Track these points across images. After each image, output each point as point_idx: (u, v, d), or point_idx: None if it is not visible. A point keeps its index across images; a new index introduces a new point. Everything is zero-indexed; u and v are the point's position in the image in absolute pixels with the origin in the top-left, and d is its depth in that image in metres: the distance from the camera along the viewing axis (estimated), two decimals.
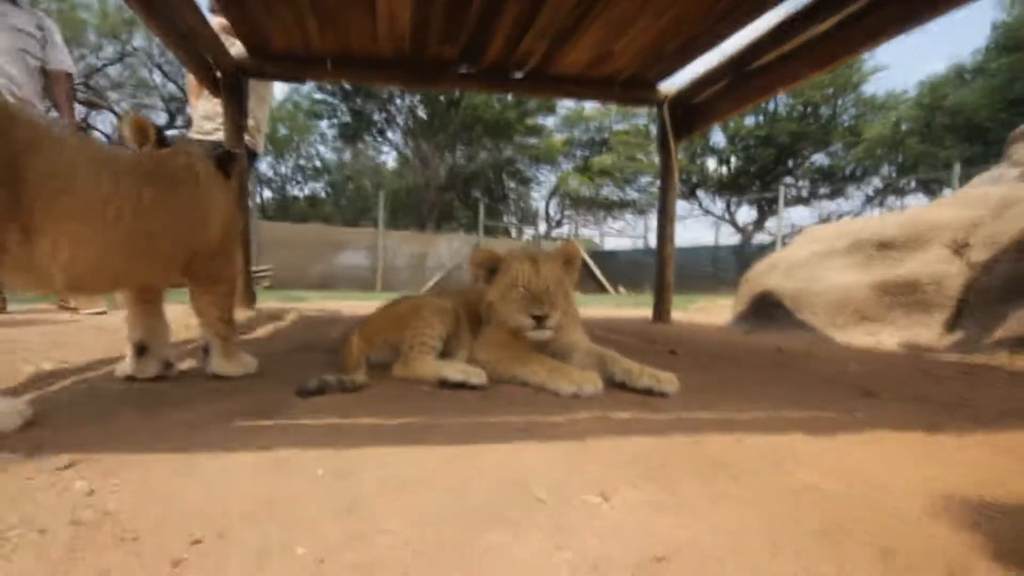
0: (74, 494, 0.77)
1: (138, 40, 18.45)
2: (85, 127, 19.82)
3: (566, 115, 22.59)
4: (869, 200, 19.02)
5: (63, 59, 3.77)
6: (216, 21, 3.58)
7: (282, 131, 23.95)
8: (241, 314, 3.48)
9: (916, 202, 17.06)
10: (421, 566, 0.61)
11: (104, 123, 20.96)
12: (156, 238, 1.38)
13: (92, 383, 1.52)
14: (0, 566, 0.59)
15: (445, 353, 1.77)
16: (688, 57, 3.60)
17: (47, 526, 0.67)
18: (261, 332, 2.87)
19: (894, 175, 18.16)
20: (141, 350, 1.56)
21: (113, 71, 19.82)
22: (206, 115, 4.13)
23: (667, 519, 0.74)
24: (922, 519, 0.76)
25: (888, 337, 3.03)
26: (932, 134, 16.10)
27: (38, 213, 1.15)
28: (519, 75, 3.99)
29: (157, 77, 20.08)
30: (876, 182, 18.82)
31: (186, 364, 1.85)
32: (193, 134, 4.29)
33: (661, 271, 4.25)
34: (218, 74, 3.68)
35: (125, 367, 1.56)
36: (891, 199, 18.59)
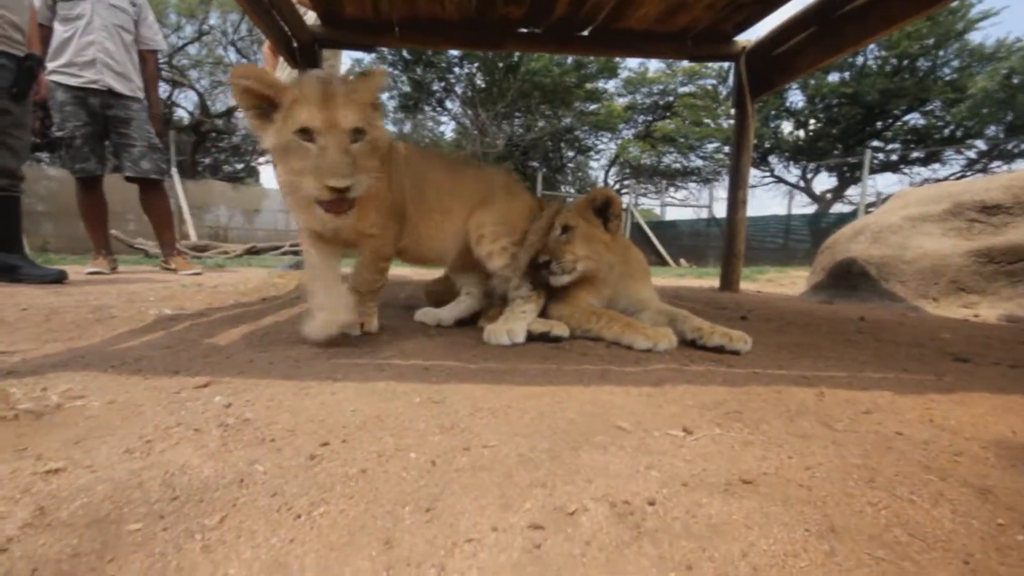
0: (215, 405, 0.89)
1: (213, 19, 19.37)
2: (170, 104, 21.29)
3: (628, 78, 21.65)
4: (971, 165, 17.02)
5: (154, 37, 4.04)
6: None
7: None
8: None
9: None
10: (524, 471, 0.68)
11: (187, 101, 22.45)
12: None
13: (204, 325, 1.71)
14: (170, 454, 0.71)
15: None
16: (768, 5, 3.35)
17: (200, 427, 0.80)
18: None
19: (1002, 136, 16.13)
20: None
21: (192, 50, 21.02)
22: None
23: (753, 451, 0.76)
24: (1019, 466, 0.73)
25: (988, 309, 2.79)
26: None
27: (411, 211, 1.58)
28: (585, 33, 3.87)
29: (232, 55, 21.08)
30: (980, 144, 16.78)
31: (271, 319, 2.02)
32: None
33: (731, 238, 4.09)
34: (295, 44, 3.84)
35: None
36: (996, 164, 16.58)
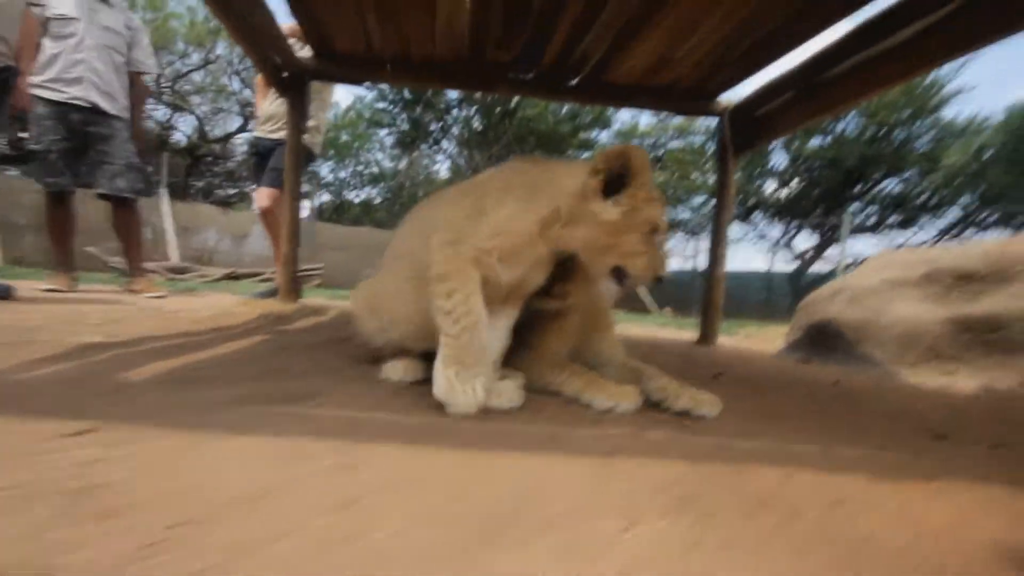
0: (77, 461, 0.75)
1: (220, 49, 19.80)
2: (168, 127, 21.42)
3: (620, 130, 22.38)
4: (945, 232, 17.64)
5: (146, 60, 4.05)
6: (286, 26, 3.75)
7: (344, 138, 25.01)
8: (285, 307, 3.58)
9: (998, 237, 15.65)
10: (419, 571, 0.55)
11: (186, 125, 22.63)
12: None
13: (127, 356, 1.56)
14: None
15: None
16: (753, 67, 3.44)
17: (38, 492, 0.66)
18: (301, 324, 2.92)
19: (974, 206, 16.77)
20: None
21: (197, 76, 21.37)
22: (268, 116, 4.33)
23: (700, 558, 0.64)
24: None
25: (966, 379, 2.72)
26: (1020, 164, 14.78)
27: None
28: (574, 82, 3.93)
29: (236, 84, 21.45)
30: (954, 213, 17.43)
31: (229, 346, 1.88)
32: (256, 133, 4.50)
33: (710, 292, 4.05)
34: (284, 75, 3.84)
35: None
36: (969, 232, 17.17)
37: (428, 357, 1.62)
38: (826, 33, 2.95)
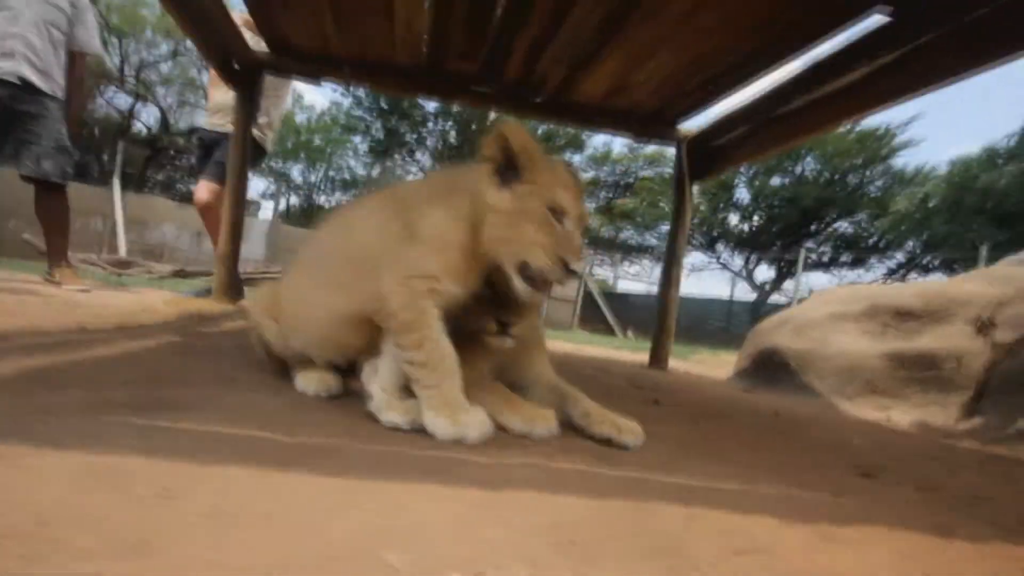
0: None
1: (190, 41, 19.28)
2: (129, 116, 20.60)
3: (593, 155, 22.79)
4: (891, 273, 18.57)
5: (88, 40, 3.81)
6: (240, 16, 3.60)
7: (317, 142, 24.57)
8: (216, 308, 3.36)
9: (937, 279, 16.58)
10: None
11: (149, 116, 21.79)
12: None
13: None
14: None
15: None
16: (709, 98, 3.50)
17: None
18: (226, 327, 2.72)
19: (918, 251, 17.75)
20: None
21: (164, 67, 20.70)
22: (218, 107, 4.13)
23: None
24: None
25: (900, 414, 2.76)
26: (960, 214, 15.75)
27: None
28: (538, 99, 3.91)
29: (205, 77, 20.85)
30: (899, 256, 18.42)
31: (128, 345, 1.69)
32: (204, 125, 4.29)
33: (663, 314, 4.04)
34: (236, 67, 3.67)
35: None
36: (913, 275, 18.13)
37: (337, 368, 1.50)
38: (780, 71, 3.02)
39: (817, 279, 20.24)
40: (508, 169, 1.22)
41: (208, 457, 0.83)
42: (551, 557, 0.66)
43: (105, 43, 18.74)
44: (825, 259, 19.53)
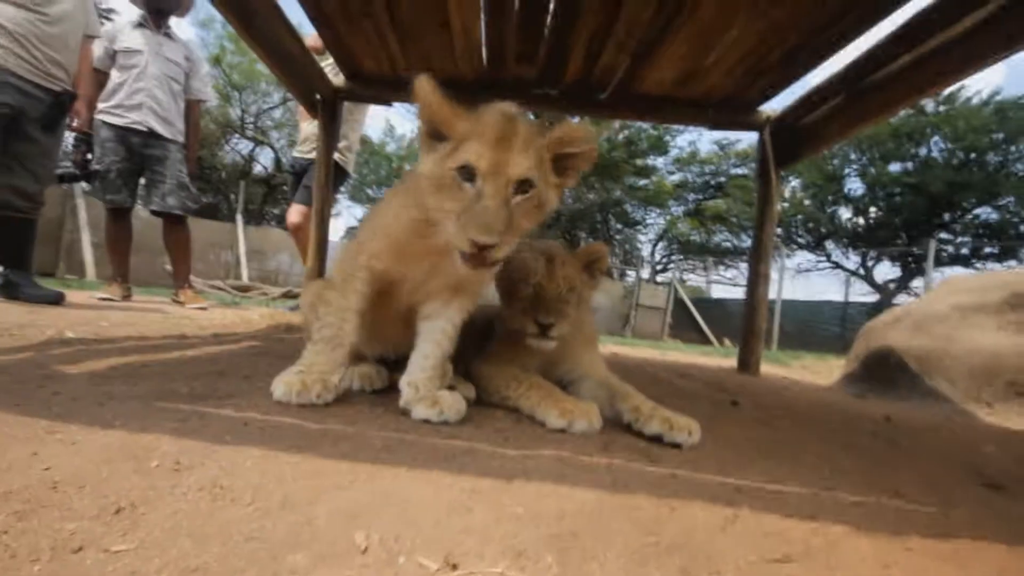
0: None
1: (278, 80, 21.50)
2: (249, 159, 23.33)
3: (678, 156, 21.83)
4: None
5: (203, 89, 4.38)
6: (309, 40, 3.92)
7: (407, 168, 26.11)
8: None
9: None
10: None
11: (266, 158, 24.55)
12: None
13: (87, 352, 1.56)
14: None
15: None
16: (791, 74, 3.16)
17: None
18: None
19: None
20: None
21: (276, 113, 23.27)
22: (305, 137, 4.52)
23: None
24: None
25: None
26: None
27: None
28: (602, 96, 3.81)
29: None
30: None
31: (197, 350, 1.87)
32: (295, 154, 4.71)
33: (751, 315, 3.69)
34: (318, 98, 4.00)
35: None
36: None
37: (384, 361, 1.52)
38: (867, 36, 2.66)
39: (956, 275, 17.47)
40: (436, 131, 1.08)
41: (231, 438, 0.86)
42: (540, 549, 0.58)
43: (228, 98, 21.47)
44: (965, 252, 16.85)
